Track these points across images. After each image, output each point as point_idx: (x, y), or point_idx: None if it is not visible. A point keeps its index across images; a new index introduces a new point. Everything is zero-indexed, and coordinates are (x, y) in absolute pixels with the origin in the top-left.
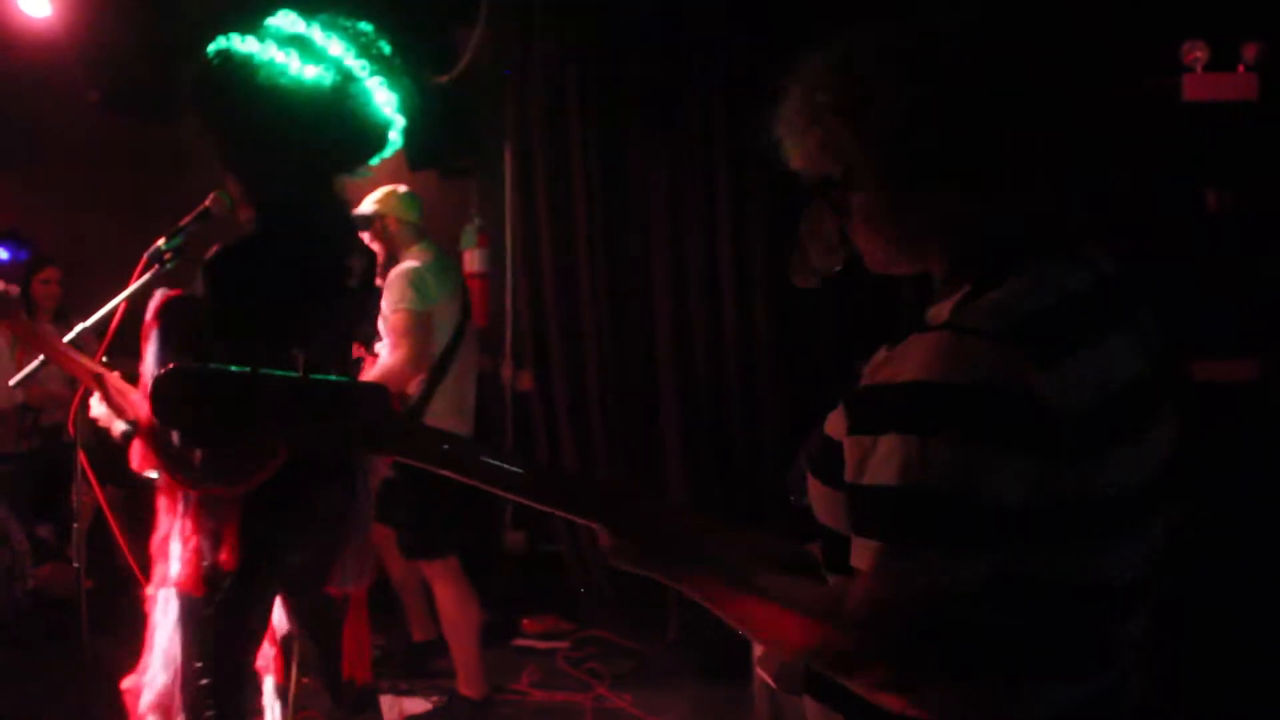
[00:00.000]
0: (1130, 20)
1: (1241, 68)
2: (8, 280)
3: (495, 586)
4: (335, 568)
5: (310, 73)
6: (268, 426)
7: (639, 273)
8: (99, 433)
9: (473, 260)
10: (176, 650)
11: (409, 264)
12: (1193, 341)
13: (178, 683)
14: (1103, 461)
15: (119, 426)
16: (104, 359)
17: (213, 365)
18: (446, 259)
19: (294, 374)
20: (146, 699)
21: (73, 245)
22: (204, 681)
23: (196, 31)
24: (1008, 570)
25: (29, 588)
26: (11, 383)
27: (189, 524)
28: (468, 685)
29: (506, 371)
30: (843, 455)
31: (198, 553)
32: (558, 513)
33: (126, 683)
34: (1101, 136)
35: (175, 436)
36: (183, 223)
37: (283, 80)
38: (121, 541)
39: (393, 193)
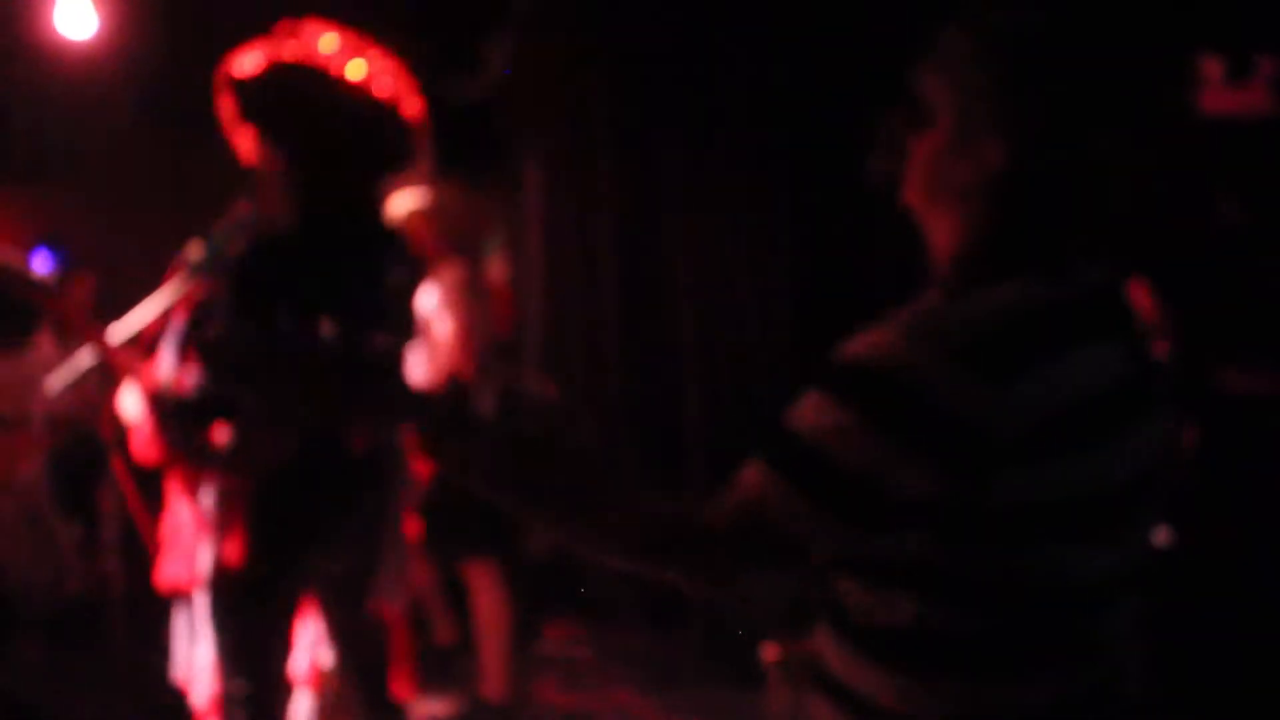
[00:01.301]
0: (1146, 33)
1: (1258, 81)
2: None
3: (517, 590)
4: (375, 582)
5: (354, 86)
6: (285, 387)
7: (662, 283)
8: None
9: (496, 271)
10: (208, 650)
11: (450, 273)
12: (1211, 354)
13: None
14: (1058, 468)
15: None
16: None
17: (236, 334)
18: (476, 269)
19: (311, 342)
20: (199, 698)
21: (106, 253)
22: (235, 684)
23: (230, 45)
24: (950, 564)
25: (74, 590)
26: (54, 390)
27: (204, 520)
28: (493, 690)
29: (529, 383)
30: None
31: (213, 549)
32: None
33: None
34: (1121, 150)
35: (180, 420)
36: (214, 230)
37: (331, 93)
38: (153, 540)
39: (415, 203)
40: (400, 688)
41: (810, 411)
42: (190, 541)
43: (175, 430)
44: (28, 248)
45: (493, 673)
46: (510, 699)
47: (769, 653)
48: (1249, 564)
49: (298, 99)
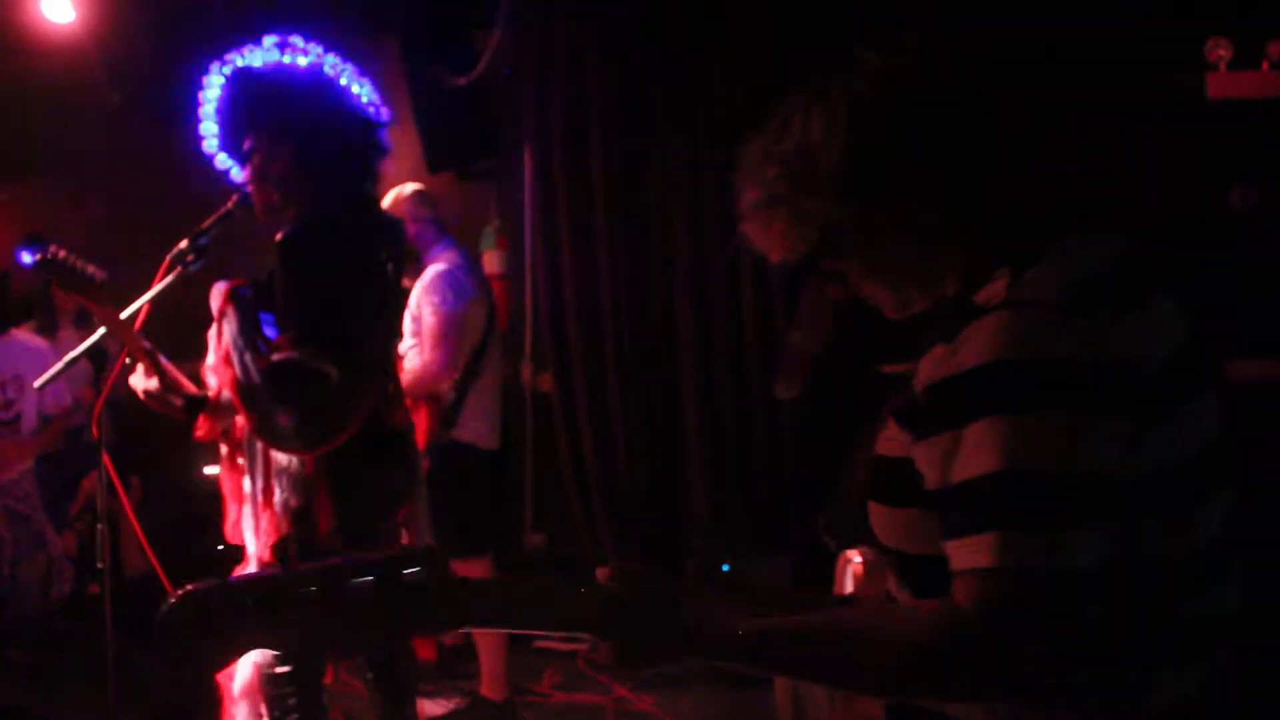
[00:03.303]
0: (1154, 18)
1: (1266, 65)
2: (29, 284)
3: None
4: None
5: (343, 84)
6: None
7: (659, 273)
8: (121, 432)
9: (492, 262)
10: None
11: (443, 264)
12: (1220, 341)
13: (259, 669)
14: (1178, 418)
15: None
16: (127, 360)
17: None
18: (472, 259)
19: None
20: (236, 685)
21: (94, 249)
22: (283, 669)
23: (217, 35)
24: (1114, 544)
25: (66, 591)
26: (37, 384)
27: (264, 500)
28: (491, 687)
29: (526, 373)
30: (907, 470)
31: (275, 526)
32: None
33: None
34: (1117, 130)
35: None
36: (205, 225)
37: (329, 90)
38: (143, 539)
39: (401, 193)
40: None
41: (983, 444)
42: (256, 524)
43: (253, 410)
44: (13, 242)
45: (491, 671)
46: (509, 696)
47: None
48: (1265, 552)
49: (306, 97)
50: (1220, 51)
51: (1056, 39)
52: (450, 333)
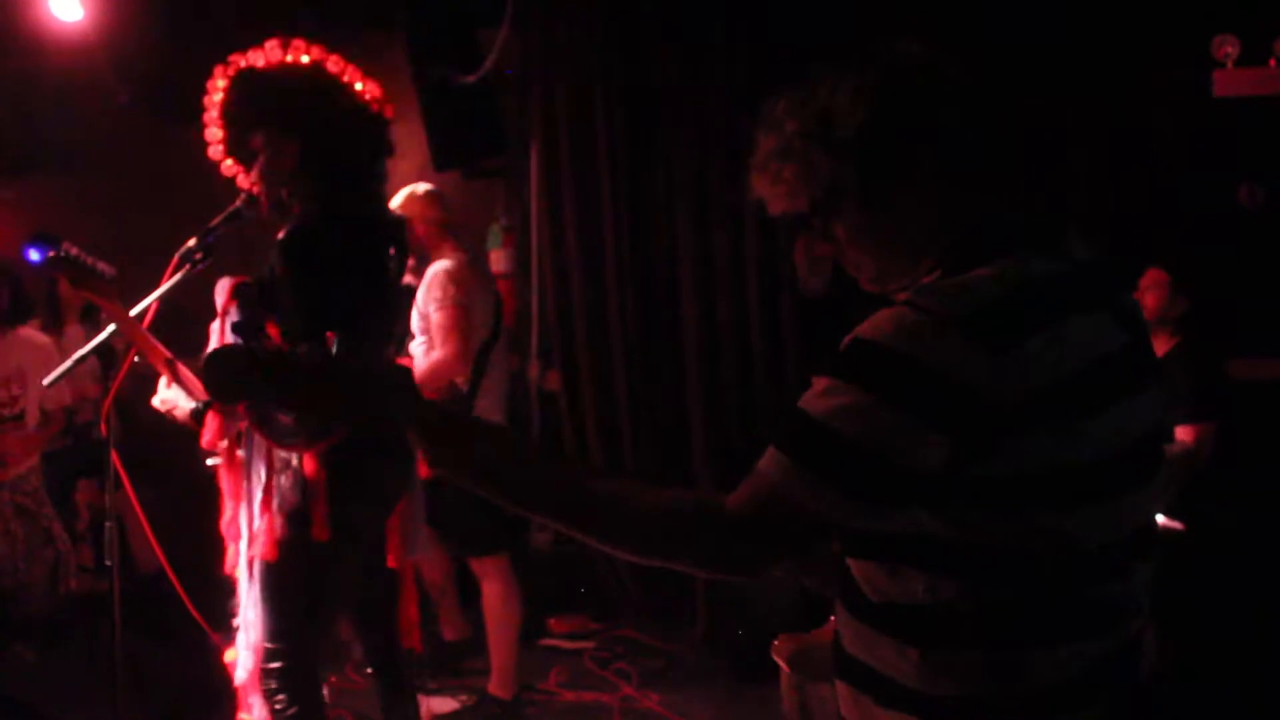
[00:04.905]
0: (1161, 16)
1: (1273, 62)
2: (35, 281)
3: (522, 586)
4: (399, 541)
5: (348, 83)
6: (300, 403)
7: (665, 271)
8: (128, 430)
9: (499, 260)
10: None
11: (449, 261)
12: (1227, 339)
13: (258, 660)
14: (1059, 435)
15: (185, 408)
16: (136, 358)
17: (252, 345)
18: (477, 257)
19: (327, 355)
20: (241, 675)
21: (101, 247)
22: (277, 665)
23: (224, 33)
24: (957, 536)
25: (71, 587)
26: (46, 382)
27: (265, 498)
28: (499, 685)
29: (533, 371)
30: None
31: (272, 525)
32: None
33: (227, 656)
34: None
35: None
36: (213, 223)
37: (335, 88)
38: (151, 537)
39: (414, 193)
40: (406, 636)
41: (820, 395)
42: (257, 522)
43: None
44: (20, 240)
45: (501, 669)
46: (516, 694)
47: (778, 646)
48: (1264, 547)
49: (311, 93)
50: (1227, 49)
51: (1063, 37)
52: (458, 327)
